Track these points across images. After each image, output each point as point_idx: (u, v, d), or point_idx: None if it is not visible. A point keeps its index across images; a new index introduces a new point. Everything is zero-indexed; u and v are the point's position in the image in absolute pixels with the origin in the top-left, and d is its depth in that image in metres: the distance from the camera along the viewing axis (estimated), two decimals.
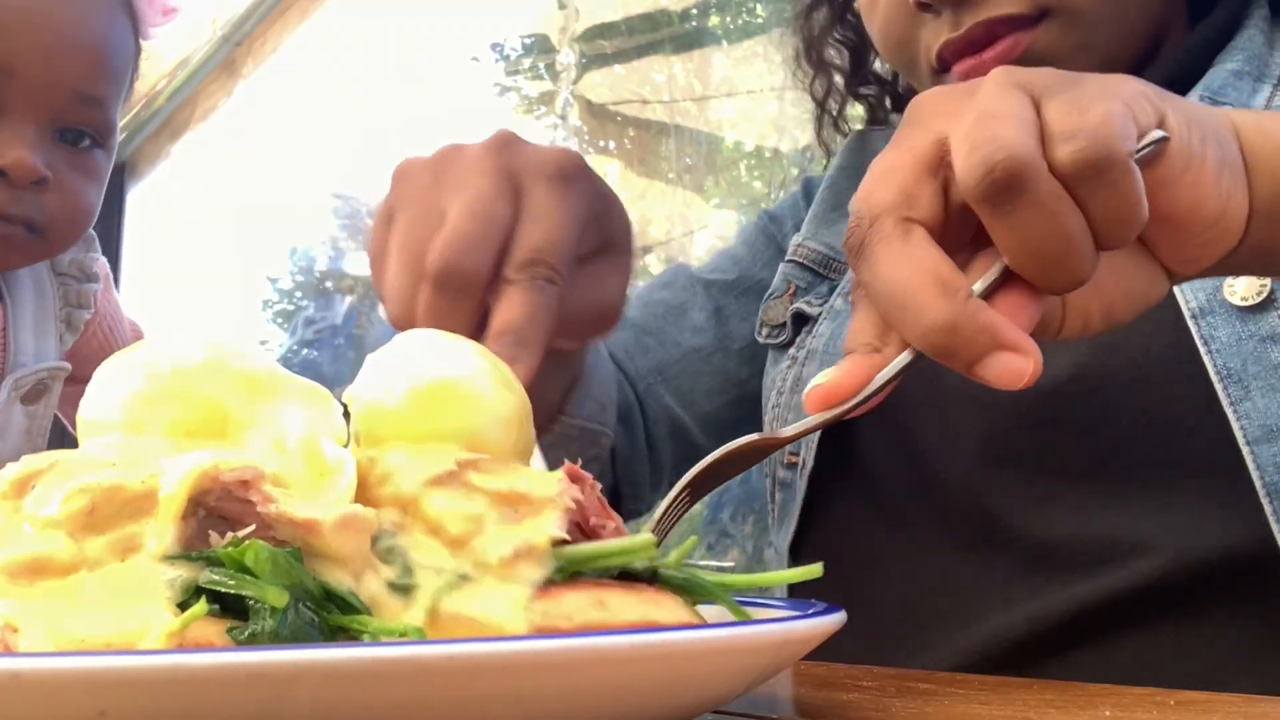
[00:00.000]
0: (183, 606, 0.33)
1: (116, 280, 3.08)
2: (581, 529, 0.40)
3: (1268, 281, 0.66)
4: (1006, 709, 0.42)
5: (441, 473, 0.39)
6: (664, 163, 2.60)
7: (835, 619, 0.40)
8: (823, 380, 0.47)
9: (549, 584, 0.38)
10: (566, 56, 2.57)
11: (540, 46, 2.85)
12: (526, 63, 2.93)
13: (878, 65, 1.01)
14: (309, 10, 2.74)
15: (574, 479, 0.41)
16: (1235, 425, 0.64)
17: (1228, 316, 0.66)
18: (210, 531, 0.36)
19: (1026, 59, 0.71)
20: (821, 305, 0.87)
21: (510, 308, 0.51)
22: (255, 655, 0.28)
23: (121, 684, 0.27)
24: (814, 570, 0.42)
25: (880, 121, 1.03)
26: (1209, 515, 0.66)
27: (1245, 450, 0.64)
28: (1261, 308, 0.66)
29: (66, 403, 1.14)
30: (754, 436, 0.50)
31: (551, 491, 0.40)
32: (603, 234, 0.58)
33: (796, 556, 0.83)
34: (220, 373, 0.40)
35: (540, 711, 0.32)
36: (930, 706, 0.43)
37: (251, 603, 0.33)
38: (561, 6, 2.53)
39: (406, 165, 0.58)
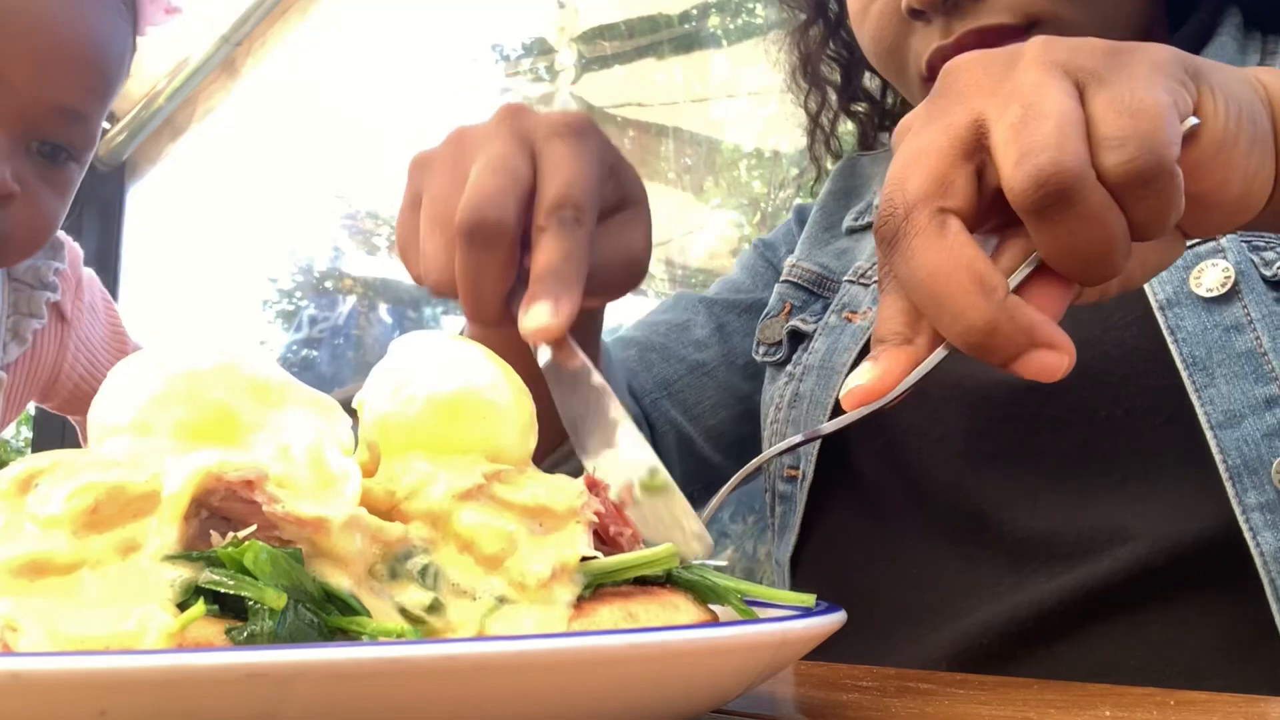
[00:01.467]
0: (182, 607, 0.33)
1: (116, 279, 3.07)
2: (601, 538, 0.41)
3: (1232, 273, 0.68)
4: (1006, 709, 0.42)
5: (471, 486, 0.40)
6: (663, 164, 2.60)
7: (835, 619, 0.40)
8: (861, 381, 0.47)
9: (579, 600, 0.39)
10: (566, 57, 2.57)
11: (540, 47, 2.85)
12: (526, 63, 2.93)
13: (869, 82, 1.03)
14: (309, 10, 2.73)
15: (592, 488, 0.42)
16: (1200, 411, 0.66)
17: (1194, 307, 0.68)
18: (211, 532, 0.36)
19: None
20: (816, 322, 0.88)
21: (546, 250, 0.53)
22: (255, 655, 0.28)
23: (121, 684, 0.27)
24: (807, 599, 0.44)
25: (869, 144, 1.05)
26: (1184, 502, 0.67)
27: (1209, 435, 0.65)
28: (1226, 299, 0.68)
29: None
30: (799, 438, 0.50)
31: (574, 503, 0.41)
32: (619, 188, 0.59)
33: (797, 567, 0.84)
34: (230, 377, 0.41)
35: (540, 711, 0.32)
36: (930, 706, 0.43)
37: (250, 603, 0.33)
38: (561, 7, 2.53)
39: (421, 154, 0.60)
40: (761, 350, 0.92)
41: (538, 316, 0.51)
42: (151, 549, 0.35)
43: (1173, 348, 0.68)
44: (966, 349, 0.45)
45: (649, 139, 2.71)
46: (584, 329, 0.63)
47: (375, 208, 3.53)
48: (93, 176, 3.14)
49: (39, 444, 2.76)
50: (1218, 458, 0.65)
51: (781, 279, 0.94)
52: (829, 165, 1.07)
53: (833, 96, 1.03)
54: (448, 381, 0.42)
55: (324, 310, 3.48)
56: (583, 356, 0.52)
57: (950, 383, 0.75)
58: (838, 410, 0.82)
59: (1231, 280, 0.68)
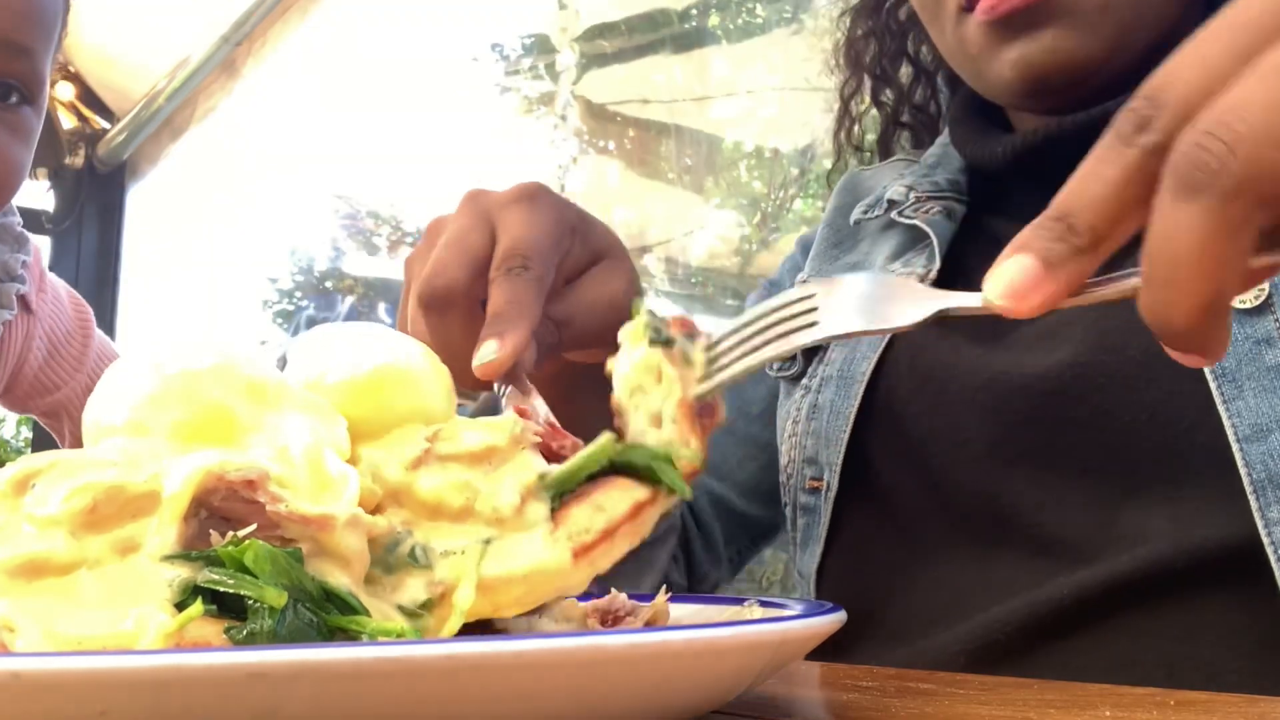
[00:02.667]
0: (181, 607, 0.33)
1: (116, 279, 3.06)
2: (547, 456, 0.44)
3: (1265, 286, 0.66)
4: (1006, 709, 0.42)
5: (419, 454, 0.41)
6: (664, 163, 2.60)
7: (834, 619, 0.40)
8: (1006, 282, 0.40)
9: (554, 512, 0.41)
10: (566, 57, 2.57)
11: (540, 46, 2.85)
12: (526, 63, 2.93)
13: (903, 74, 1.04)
14: (309, 10, 2.74)
15: (522, 415, 0.44)
16: (1227, 423, 0.65)
17: None
18: (211, 531, 0.36)
19: (1048, 7, 0.72)
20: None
21: (494, 298, 0.57)
22: (255, 655, 0.28)
23: (121, 684, 0.27)
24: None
25: (888, 141, 1.04)
26: (1208, 509, 0.67)
27: (1235, 447, 0.65)
28: (1259, 311, 0.67)
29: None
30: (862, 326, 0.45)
31: (515, 431, 0.43)
32: (589, 245, 0.64)
33: (822, 578, 0.84)
34: (227, 378, 0.41)
35: (540, 711, 0.32)
36: (930, 706, 0.43)
37: (250, 602, 0.33)
38: (562, 6, 2.53)
39: (411, 252, 0.66)
40: (775, 366, 0.91)
41: (484, 354, 0.54)
42: (150, 549, 0.35)
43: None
44: (1152, 321, 0.39)
45: (649, 138, 2.71)
46: (586, 389, 0.64)
47: (375, 208, 3.54)
48: (93, 176, 3.14)
49: (39, 444, 2.76)
50: (1242, 470, 0.64)
51: None
52: (851, 160, 1.07)
53: (868, 83, 1.03)
54: (361, 361, 0.43)
55: (323, 310, 3.48)
56: (535, 392, 0.55)
57: (974, 385, 0.75)
58: (860, 418, 0.81)
59: (1265, 293, 0.67)
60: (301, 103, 3.01)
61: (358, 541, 0.37)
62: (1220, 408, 0.66)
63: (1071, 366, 0.72)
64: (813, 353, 0.88)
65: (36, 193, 3.07)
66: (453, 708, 0.30)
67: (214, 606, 0.33)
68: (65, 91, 2.98)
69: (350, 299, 3.49)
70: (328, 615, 0.35)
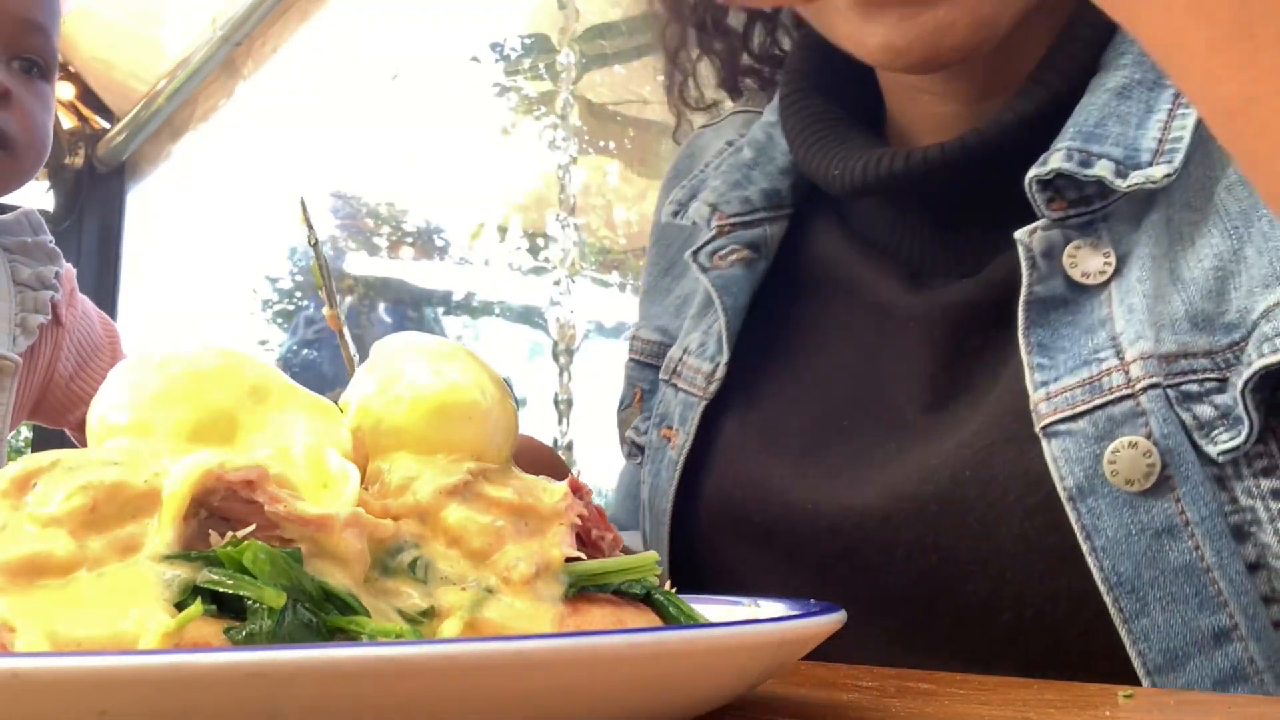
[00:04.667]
0: (180, 606, 0.33)
1: (116, 279, 3.07)
2: (583, 541, 0.42)
3: (1155, 457, 0.53)
4: (1006, 709, 0.42)
5: (457, 483, 0.40)
6: (664, 163, 2.59)
7: (834, 619, 0.40)
8: None
9: (568, 599, 0.40)
10: (566, 56, 2.56)
11: (540, 46, 2.85)
12: (526, 63, 2.93)
13: (732, 19, 0.85)
14: (309, 10, 2.73)
15: (576, 492, 0.43)
16: (1131, 650, 0.53)
17: (1112, 502, 0.54)
18: (211, 531, 0.36)
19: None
20: (645, 435, 0.78)
21: None
22: (254, 655, 0.28)
23: (121, 684, 0.27)
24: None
25: (734, 86, 0.87)
26: None
27: (1145, 682, 0.53)
28: (1154, 492, 0.53)
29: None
30: None
31: (558, 505, 0.42)
32: None
33: None
34: (231, 379, 0.41)
35: (539, 710, 0.32)
36: (930, 706, 0.43)
37: (249, 603, 0.33)
38: (561, 6, 2.53)
39: None
40: (625, 450, 0.82)
41: None
42: (150, 549, 0.35)
43: (1090, 559, 0.54)
44: None
45: (649, 138, 2.71)
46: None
47: (375, 207, 3.54)
48: (93, 176, 3.14)
49: (39, 444, 2.76)
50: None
51: (628, 356, 0.83)
52: (691, 119, 0.90)
53: (693, 32, 0.85)
54: (433, 382, 0.43)
55: (320, 311, 3.48)
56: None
57: (815, 548, 0.65)
58: (676, 574, 0.67)
59: (1157, 467, 0.53)
60: (301, 103, 3.01)
61: (358, 542, 0.37)
62: (1120, 630, 0.53)
63: (935, 548, 0.61)
64: (640, 450, 0.79)
65: (36, 193, 3.07)
66: (453, 708, 0.30)
67: (213, 606, 0.33)
68: (65, 91, 2.98)
69: (350, 299, 3.49)
70: (327, 616, 0.34)
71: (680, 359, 0.76)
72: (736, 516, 0.70)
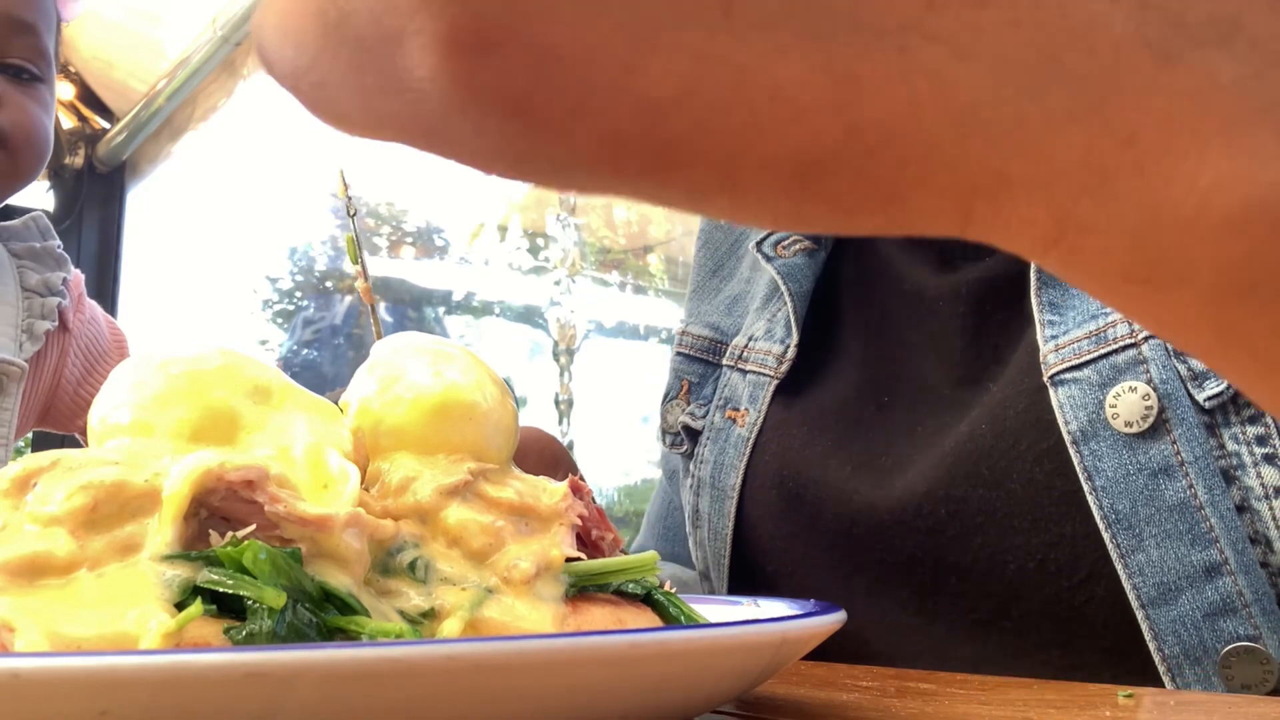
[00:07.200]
0: (180, 606, 0.33)
1: (116, 279, 3.06)
2: (583, 541, 0.42)
3: (1154, 400, 0.56)
4: (1006, 709, 0.42)
5: (457, 483, 0.41)
6: None
7: (834, 619, 0.40)
8: None
9: (569, 599, 0.40)
10: None
11: None
12: None
13: None
14: None
15: (576, 492, 0.43)
16: (1126, 583, 0.54)
17: (1113, 444, 0.56)
18: (210, 531, 0.36)
19: None
20: (705, 416, 0.81)
21: None
22: (254, 655, 0.28)
23: (122, 684, 0.27)
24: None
25: None
26: (1120, 682, 0.55)
27: (1139, 614, 0.54)
28: (1151, 434, 0.55)
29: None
30: None
31: (558, 505, 0.42)
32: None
33: None
34: (232, 379, 0.41)
35: (539, 711, 0.32)
36: (930, 706, 0.43)
37: (249, 603, 0.33)
38: None
39: None
40: (668, 440, 0.84)
41: None
42: (150, 549, 0.35)
43: (1090, 498, 0.56)
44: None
45: None
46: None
47: (375, 207, 3.54)
48: (93, 176, 3.14)
49: (39, 443, 2.76)
50: (1151, 645, 0.54)
51: (674, 350, 0.86)
52: None
53: None
54: (434, 382, 0.43)
55: (320, 311, 3.48)
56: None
57: (846, 514, 0.69)
58: (736, 536, 0.74)
59: (1155, 410, 0.55)
60: None
61: (357, 542, 0.37)
62: (1117, 564, 0.55)
63: (935, 497, 0.64)
64: (692, 435, 0.83)
65: (36, 193, 3.08)
66: (453, 708, 0.30)
67: (213, 606, 0.33)
68: (65, 91, 2.98)
69: (350, 299, 3.49)
70: (327, 616, 0.34)
71: (747, 345, 0.80)
72: (789, 491, 0.75)
